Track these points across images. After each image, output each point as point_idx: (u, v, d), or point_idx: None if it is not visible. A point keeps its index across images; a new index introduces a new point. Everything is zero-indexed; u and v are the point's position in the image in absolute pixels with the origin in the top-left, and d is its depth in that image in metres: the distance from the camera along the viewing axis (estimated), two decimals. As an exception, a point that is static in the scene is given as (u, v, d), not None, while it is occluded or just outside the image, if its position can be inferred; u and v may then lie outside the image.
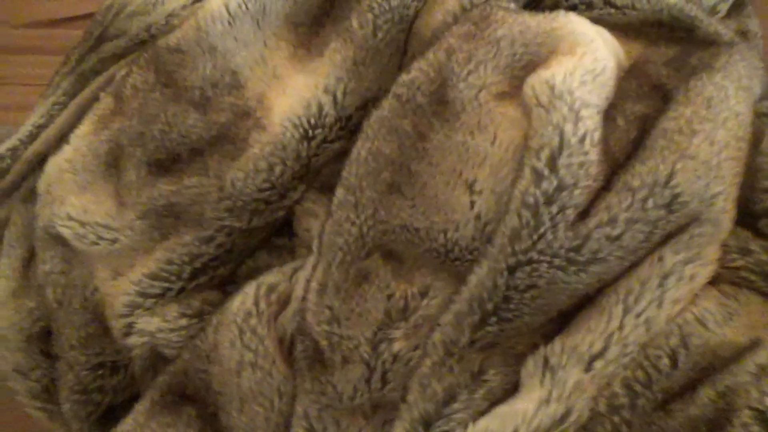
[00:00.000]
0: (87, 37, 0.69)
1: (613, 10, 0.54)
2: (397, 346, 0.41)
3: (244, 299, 0.47)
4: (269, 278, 0.48)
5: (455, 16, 0.53)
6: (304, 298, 0.45)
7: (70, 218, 0.51)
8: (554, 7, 0.55)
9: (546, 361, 0.37)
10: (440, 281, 0.43)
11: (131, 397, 0.52)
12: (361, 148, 0.46)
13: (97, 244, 0.51)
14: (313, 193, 0.52)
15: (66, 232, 0.51)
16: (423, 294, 0.43)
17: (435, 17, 0.55)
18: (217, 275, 0.51)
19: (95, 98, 0.60)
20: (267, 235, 0.52)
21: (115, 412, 0.53)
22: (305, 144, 0.50)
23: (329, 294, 0.43)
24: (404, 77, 0.48)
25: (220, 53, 0.54)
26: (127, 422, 0.45)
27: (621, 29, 0.54)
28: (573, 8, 0.55)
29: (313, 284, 0.45)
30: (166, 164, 0.52)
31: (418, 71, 0.48)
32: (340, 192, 0.46)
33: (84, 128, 0.55)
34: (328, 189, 0.54)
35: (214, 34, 0.54)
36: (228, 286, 0.52)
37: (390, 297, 0.43)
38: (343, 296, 0.43)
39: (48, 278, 0.51)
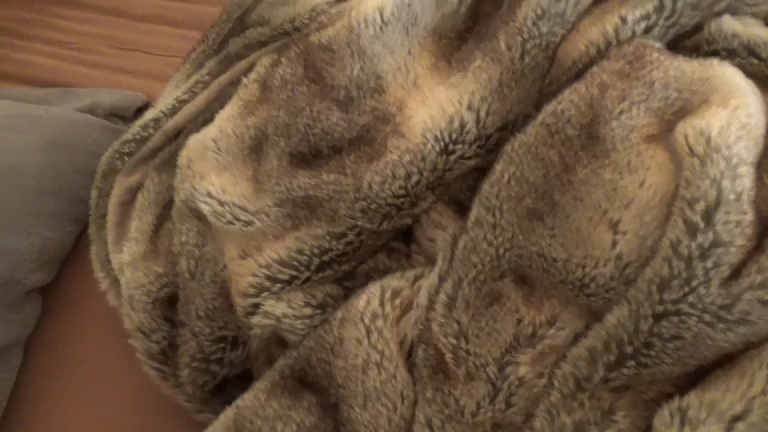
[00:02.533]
0: (226, 18, 0.72)
1: (756, 61, 0.54)
2: (523, 371, 0.42)
3: (369, 299, 0.48)
4: (393, 282, 0.50)
5: (599, 48, 0.54)
6: (429, 308, 0.47)
7: (210, 195, 0.54)
8: (695, 49, 0.55)
9: (683, 413, 0.37)
10: (569, 314, 0.44)
11: (241, 373, 0.55)
12: (503, 171, 0.47)
13: (232, 223, 0.53)
14: (440, 205, 0.53)
15: (205, 208, 0.54)
16: (551, 323, 0.44)
17: (576, 46, 0.55)
18: (340, 270, 0.53)
19: (237, 81, 0.63)
20: (389, 238, 0.54)
21: (225, 385, 0.56)
22: (443, 157, 0.51)
23: (458, 308, 0.45)
24: (554, 107, 0.49)
25: (368, 56, 0.56)
26: (247, 398, 0.48)
27: (761, 81, 0.54)
28: (714, 54, 0.55)
29: (442, 296, 0.46)
30: (307, 157, 0.54)
31: (569, 103, 0.48)
32: (479, 211, 0.47)
33: (230, 111, 0.58)
34: (455, 203, 0.56)
35: (365, 37, 0.56)
36: (346, 282, 0.54)
37: (519, 321, 0.44)
38: (473, 313, 0.44)
39: (183, 249, 0.54)
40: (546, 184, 0.46)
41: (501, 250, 0.45)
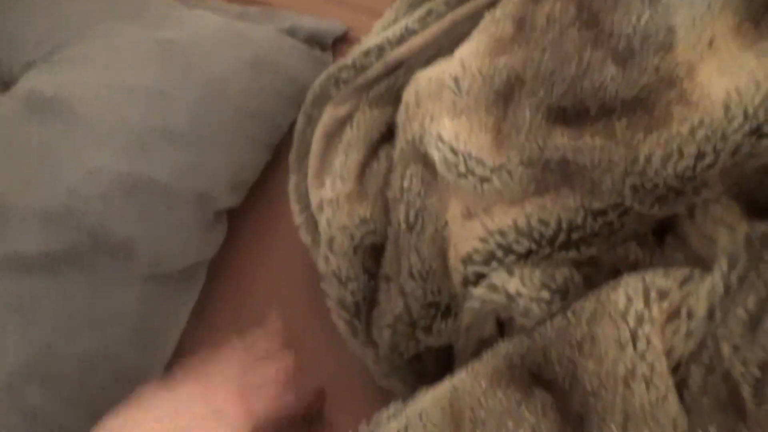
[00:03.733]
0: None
1: None
2: None
3: (630, 296, 0.40)
4: (657, 280, 0.41)
5: None
6: (713, 321, 0.37)
7: (442, 140, 0.47)
8: None
9: None
10: None
11: (442, 347, 0.49)
12: None
13: (465, 177, 0.46)
14: (726, 198, 0.43)
15: (436, 154, 0.47)
16: None
17: None
18: (586, 253, 0.44)
19: (476, 16, 0.55)
20: (652, 226, 0.45)
21: (421, 355, 0.50)
22: (751, 140, 0.41)
23: (765, 332, 0.35)
24: None
25: (662, 4, 0.45)
26: (464, 379, 0.41)
27: None
28: None
29: (740, 312, 0.36)
30: (569, 114, 0.45)
31: None
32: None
33: (476, 46, 0.50)
34: (743, 198, 0.45)
35: (665, -20, 0.45)
36: (586, 268, 0.46)
37: None
38: (790, 343, 0.34)
39: (404, 196, 0.48)
40: None
41: (838, 270, 0.35)
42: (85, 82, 0.62)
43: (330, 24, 0.75)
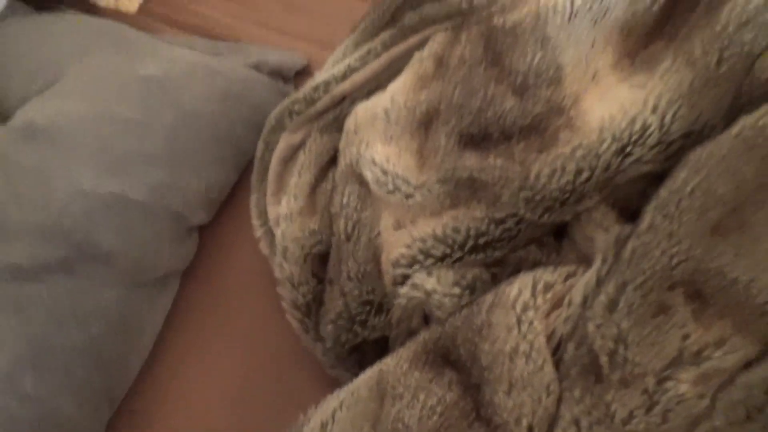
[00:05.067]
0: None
1: None
2: (683, 388, 0.41)
3: (521, 289, 0.48)
4: (545, 275, 0.49)
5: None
6: (584, 307, 0.46)
7: (374, 163, 0.56)
8: None
9: None
10: (743, 338, 0.41)
11: (378, 338, 0.57)
12: (687, 180, 0.45)
13: (392, 193, 0.55)
14: (604, 206, 0.52)
15: (368, 175, 0.56)
16: (718, 345, 0.42)
17: (776, 60, 0.51)
18: (492, 256, 0.53)
19: (408, 54, 0.64)
20: (545, 231, 0.54)
21: (361, 346, 0.58)
22: (619, 158, 0.50)
23: (620, 312, 0.44)
24: (754, 121, 0.46)
25: (551, 45, 0.55)
26: (389, 363, 0.49)
27: None
28: None
29: (601, 298, 0.45)
30: (476, 139, 0.54)
31: (773, 119, 0.45)
32: (654, 217, 0.45)
33: (403, 83, 0.59)
34: (618, 205, 0.54)
35: (552, 25, 0.55)
36: (494, 268, 0.54)
37: (685, 337, 0.42)
38: (636, 320, 0.43)
39: (343, 210, 0.57)
40: (736, 200, 0.44)
41: (675, 261, 0.43)
42: (72, 112, 0.70)
43: (292, 57, 0.84)
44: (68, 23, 0.84)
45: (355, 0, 0.89)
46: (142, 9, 0.93)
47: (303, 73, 0.84)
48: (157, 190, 0.66)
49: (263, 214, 0.65)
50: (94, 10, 0.92)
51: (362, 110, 0.60)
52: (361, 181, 0.57)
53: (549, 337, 0.48)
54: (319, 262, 0.59)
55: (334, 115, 0.65)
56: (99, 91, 0.73)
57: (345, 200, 0.57)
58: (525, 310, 0.47)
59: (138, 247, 0.63)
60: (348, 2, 0.89)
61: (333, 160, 0.65)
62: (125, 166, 0.66)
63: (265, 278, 0.64)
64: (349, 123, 0.60)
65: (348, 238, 0.56)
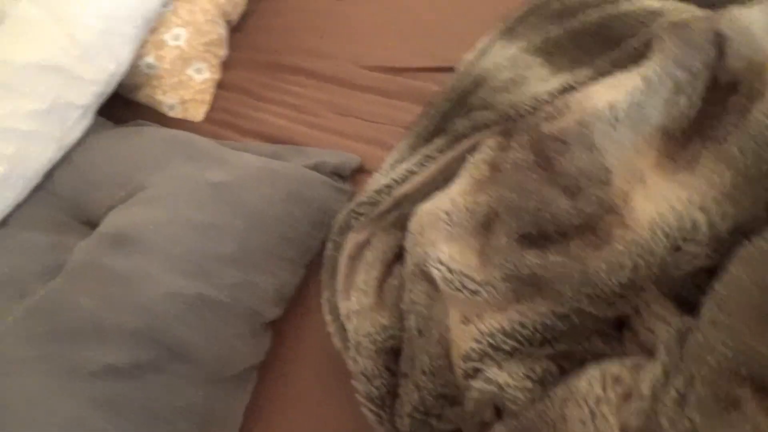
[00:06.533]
0: (447, 98, 0.81)
1: None
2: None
3: (591, 383, 0.51)
4: (612, 368, 0.52)
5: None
6: (654, 400, 0.48)
7: (440, 262, 0.61)
8: None
9: None
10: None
11: (453, 430, 0.60)
12: (741, 276, 0.49)
13: (459, 290, 0.59)
14: (662, 298, 0.55)
15: (435, 273, 0.60)
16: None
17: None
18: (558, 350, 0.56)
19: (461, 159, 0.70)
20: (607, 324, 0.57)
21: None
22: (672, 254, 0.53)
23: (690, 406, 0.46)
24: (798, 217, 0.49)
25: (597, 150, 0.60)
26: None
27: None
28: None
29: (671, 392, 0.48)
30: (534, 238, 0.59)
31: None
32: (712, 311, 0.48)
33: (462, 187, 0.64)
34: (676, 297, 0.57)
35: (597, 132, 0.60)
36: (561, 360, 0.57)
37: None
38: (708, 414, 0.45)
39: (413, 307, 0.61)
40: (790, 294, 0.47)
41: (739, 356, 0.46)
42: (154, 220, 0.77)
43: (347, 157, 0.90)
44: (145, 137, 0.93)
45: (400, 102, 0.96)
46: (207, 117, 1.02)
47: (359, 171, 0.90)
48: (235, 289, 0.72)
49: (335, 310, 0.69)
50: (164, 120, 1.02)
51: (424, 212, 0.65)
52: (429, 279, 0.62)
53: (622, 430, 0.50)
54: (392, 356, 0.63)
55: (396, 215, 0.71)
56: (176, 199, 0.81)
57: (415, 298, 0.61)
58: (598, 403, 0.50)
59: (220, 344, 0.68)
60: (392, 106, 0.96)
61: (397, 257, 0.70)
62: (205, 269, 0.72)
63: (337, 370, 0.67)
64: (413, 224, 0.65)
65: (420, 334, 0.60)
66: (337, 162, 0.90)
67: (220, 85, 1.07)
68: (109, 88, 0.93)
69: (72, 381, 0.65)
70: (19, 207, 0.84)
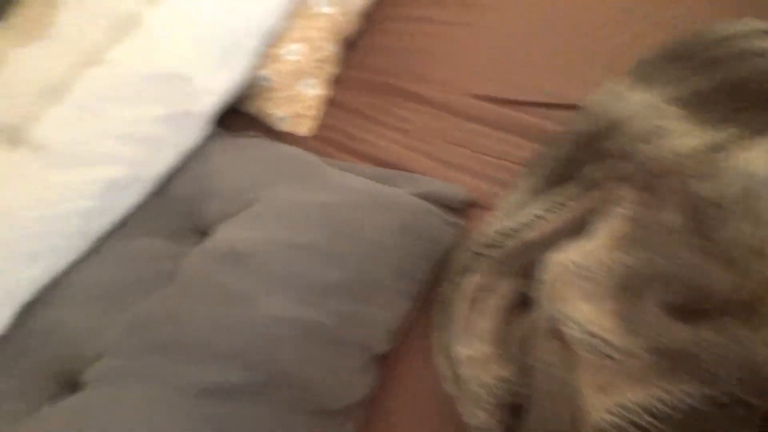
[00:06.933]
0: (574, 140, 0.77)
1: None
2: None
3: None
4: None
5: None
6: None
7: (575, 321, 0.58)
8: None
9: None
10: None
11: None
12: None
13: (594, 354, 0.56)
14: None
15: (568, 333, 0.58)
16: None
17: None
18: (704, 432, 0.52)
19: (596, 210, 0.67)
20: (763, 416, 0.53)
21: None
22: None
23: None
24: None
25: (763, 221, 0.56)
26: None
27: None
28: None
29: None
30: (684, 310, 0.55)
31: None
32: None
33: (599, 241, 0.61)
34: None
35: (764, 201, 0.56)
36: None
37: None
38: None
39: (543, 366, 0.58)
40: None
41: None
42: (266, 240, 0.77)
43: (458, 190, 0.88)
44: (259, 151, 0.94)
45: (510, 136, 0.93)
46: (317, 136, 1.02)
47: (468, 205, 0.88)
48: (346, 320, 0.70)
49: (448, 353, 0.67)
50: (273, 132, 1.03)
51: (556, 263, 0.63)
52: (561, 338, 0.59)
53: None
54: (511, 410, 0.61)
55: (521, 260, 0.68)
56: (287, 219, 0.80)
57: (545, 356, 0.58)
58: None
59: (327, 375, 0.67)
60: (503, 140, 0.93)
61: (520, 305, 0.67)
62: (315, 296, 0.71)
63: (445, 414, 0.65)
64: (543, 274, 0.63)
65: (549, 396, 0.57)
66: (448, 193, 0.88)
67: (330, 103, 1.07)
68: (229, 99, 0.95)
69: (180, 397, 0.65)
70: (137, 210, 0.86)
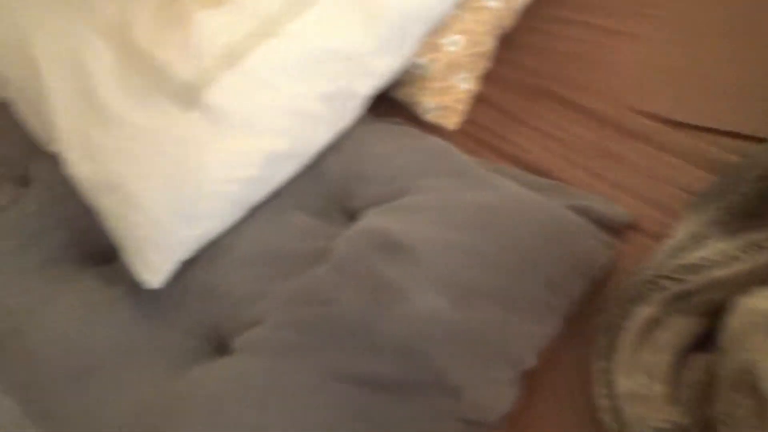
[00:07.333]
0: (764, 176, 0.71)
1: None
2: None
3: None
4: None
5: None
6: None
7: (770, 378, 0.53)
8: None
9: None
10: None
11: None
12: None
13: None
14: None
15: (764, 388, 0.53)
16: None
17: None
18: None
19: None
20: None
21: None
22: None
23: None
24: None
25: None
26: None
27: None
28: None
29: None
30: None
31: None
32: None
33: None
34: None
35: None
36: None
37: None
38: None
39: (730, 420, 0.54)
40: None
41: None
42: (424, 232, 0.76)
43: (617, 210, 0.82)
44: (410, 138, 0.93)
45: (676, 160, 0.87)
46: (463, 131, 1.00)
47: (627, 228, 0.83)
48: (500, 329, 0.68)
49: (610, 384, 0.64)
50: (418, 122, 1.01)
51: (750, 310, 0.58)
52: (755, 394, 0.54)
53: None
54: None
55: (703, 299, 0.64)
56: (443, 214, 0.79)
57: (736, 412, 0.54)
58: None
59: (480, 384, 0.65)
60: (667, 163, 0.87)
61: (695, 347, 0.63)
62: (471, 299, 0.69)
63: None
64: (735, 321, 0.58)
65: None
66: (606, 212, 0.83)
67: (478, 98, 1.04)
68: (388, 82, 0.94)
69: (333, 381, 0.65)
70: (288, 185, 0.87)
